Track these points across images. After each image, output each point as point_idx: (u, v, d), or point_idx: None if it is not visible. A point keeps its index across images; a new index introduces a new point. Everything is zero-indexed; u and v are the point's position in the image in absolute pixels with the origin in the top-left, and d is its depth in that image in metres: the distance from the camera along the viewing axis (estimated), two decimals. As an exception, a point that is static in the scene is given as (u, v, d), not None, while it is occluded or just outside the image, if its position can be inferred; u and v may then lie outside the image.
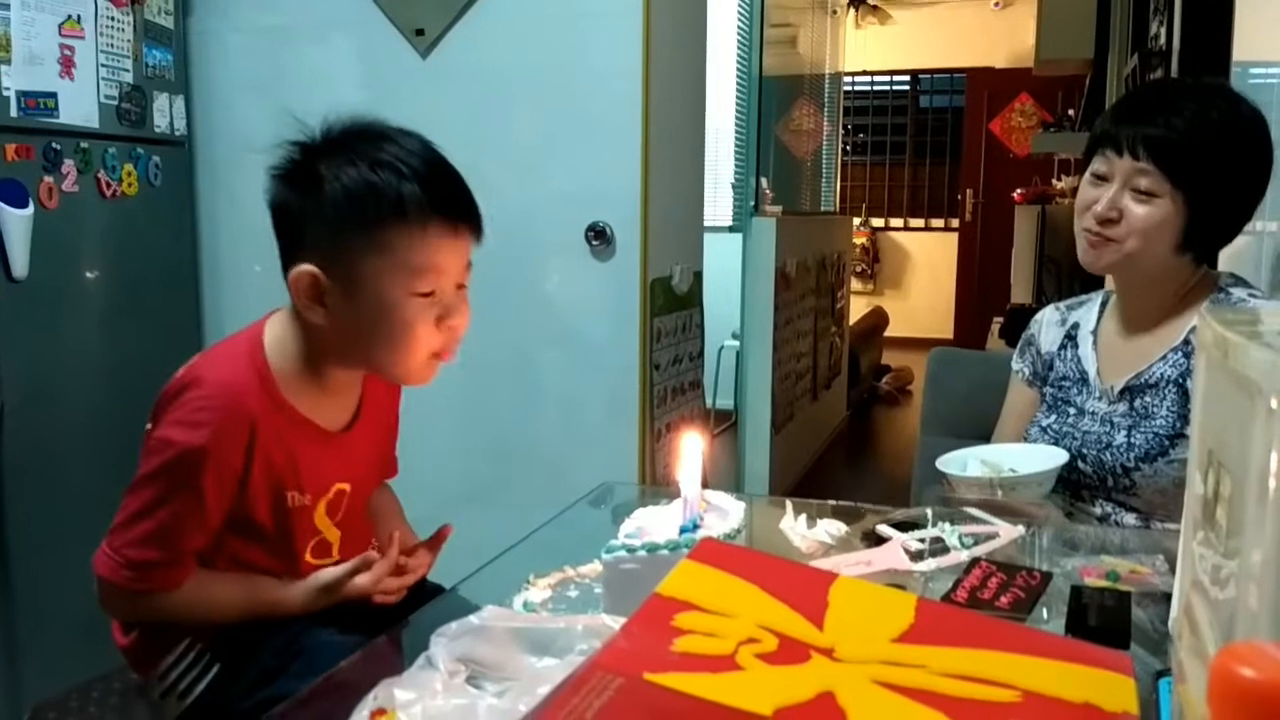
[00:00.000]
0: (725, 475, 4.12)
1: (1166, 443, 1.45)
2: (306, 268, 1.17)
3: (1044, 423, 1.60)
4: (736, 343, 4.34)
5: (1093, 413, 1.55)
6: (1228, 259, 1.88)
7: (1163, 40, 3.37)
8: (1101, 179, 1.47)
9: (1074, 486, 1.53)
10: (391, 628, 1.06)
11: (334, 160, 1.16)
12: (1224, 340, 0.45)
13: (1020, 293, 5.89)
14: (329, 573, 1.24)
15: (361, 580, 1.23)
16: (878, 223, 9.74)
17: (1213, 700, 0.33)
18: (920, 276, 9.60)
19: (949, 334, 8.85)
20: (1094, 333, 1.61)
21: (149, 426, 1.19)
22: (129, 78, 2.46)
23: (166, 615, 1.21)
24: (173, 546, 1.17)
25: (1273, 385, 0.39)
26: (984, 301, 8.14)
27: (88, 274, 2.39)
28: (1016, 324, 1.88)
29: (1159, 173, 1.40)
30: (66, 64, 2.29)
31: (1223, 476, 0.45)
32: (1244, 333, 0.44)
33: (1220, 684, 0.33)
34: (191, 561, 1.20)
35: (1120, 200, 1.44)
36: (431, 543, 1.36)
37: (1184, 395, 1.45)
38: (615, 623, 0.77)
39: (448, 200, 1.18)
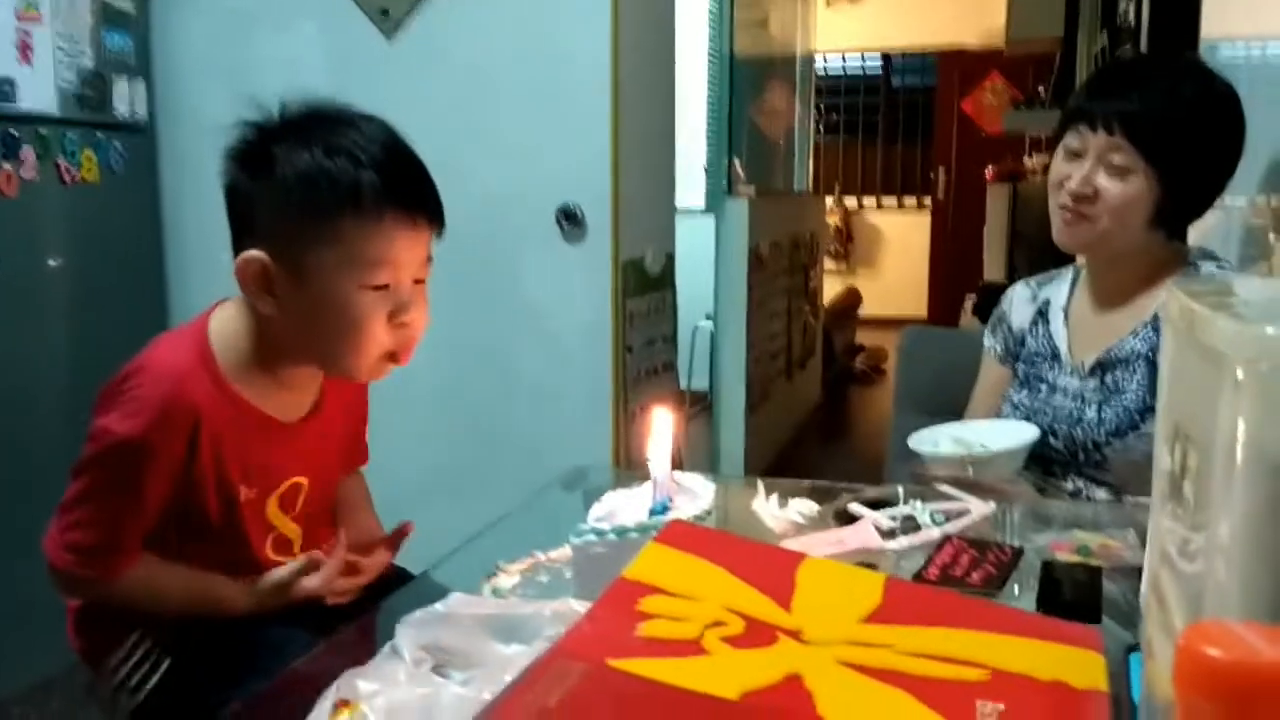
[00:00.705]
0: (700, 456, 4.12)
1: (1137, 417, 1.45)
2: (255, 254, 1.12)
3: (1016, 399, 1.60)
4: (710, 324, 4.33)
5: (1064, 388, 1.55)
6: (1197, 235, 1.89)
7: (1132, 17, 3.37)
8: (1075, 154, 1.46)
9: (1045, 462, 1.53)
10: (358, 616, 1.04)
11: (289, 143, 1.11)
12: (1190, 312, 0.44)
13: (993, 270, 5.92)
14: (277, 573, 1.20)
15: (311, 581, 1.20)
16: (851, 203, 9.74)
17: (1178, 680, 0.32)
18: (893, 256, 9.61)
19: (923, 313, 8.87)
20: (1065, 309, 1.61)
21: (94, 411, 1.16)
22: (88, 63, 2.41)
23: (115, 601, 1.18)
24: (110, 534, 1.14)
25: (1239, 355, 0.38)
26: (957, 279, 8.15)
27: (50, 263, 2.35)
28: (989, 301, 1.89)
29: (1133, 148, 1.40)
30: (24, 49, 2.24)
31: (1190, 450, 0.45)
32: (1210, 304, 0.43)
33: (1186, 663, 0.32)
34: (134, 549, 1.17)
35: (1094, 177, 1.43)
36: (390, 540, 1.32)
37: (1154, 370, 1.45)
38: (583, 608, 0.76)
39: (406, 190, 1.13)
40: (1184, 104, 1.40)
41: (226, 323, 1.20)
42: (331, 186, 1.09)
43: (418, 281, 1.17)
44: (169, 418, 1.12)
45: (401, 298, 1.14)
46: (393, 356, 1.17)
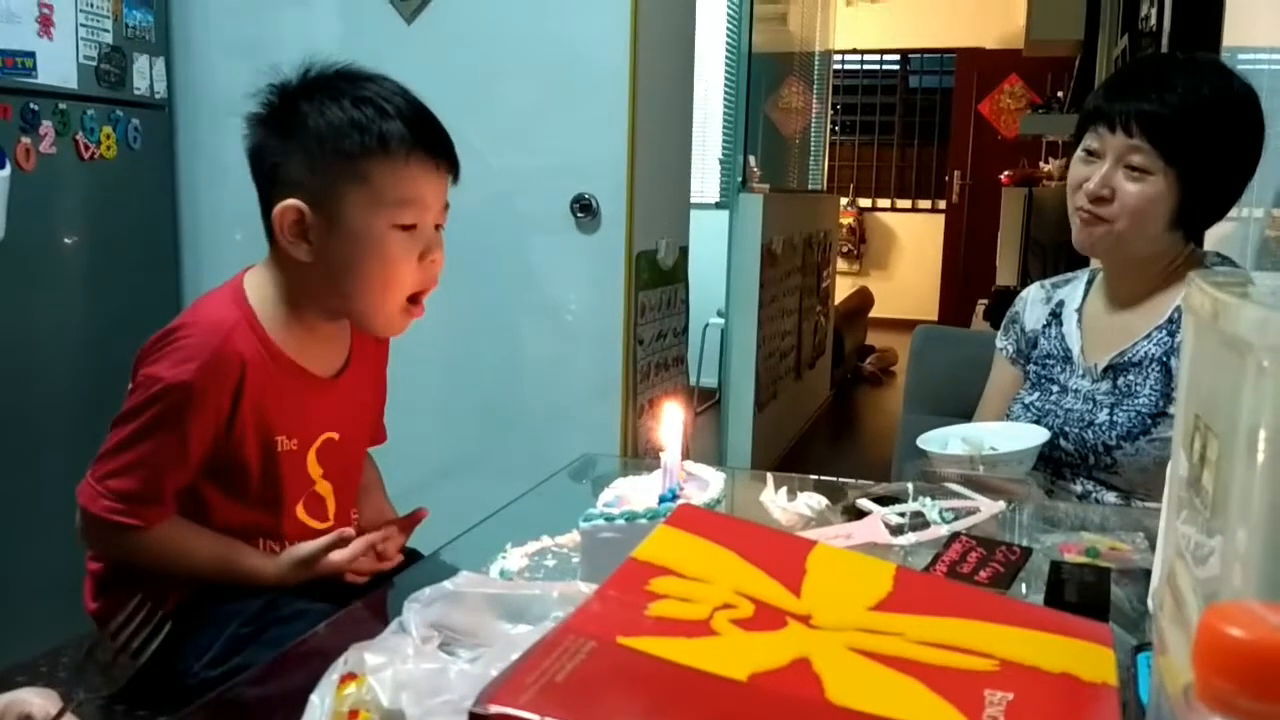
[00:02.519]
0: (708, 453, 4.11)
1: (1149, 421, 1.44)
2: (291, 202, 1.19)
3: (1027, 400, 1.60)
4: (721, 320, 4.33)
5: (1076, 390, 1.55)
6: (1214, 243, 1.88)
7: (1153, 21, 3.36)
8: (1094, 155, 1.46)
9: (1055, 464, 1.52)
10: (366, 594, 1.05)
11: (315, 99, 1.20)
12: (1214, 301, 0.44)
13: (1006, 275, 5.90)
14: (305, 546, 1.24)
15: (337, 556, 1.23)
16: (865, 203, 9.72)
17: (1198, 660, 0.32)
18: (906, 258, 9.58)
19: (934, 315, 8.84)
20: (1079, 311, 1.61)
21: (135, 369, 1.20)
22: (108, 38, 2.41)
23: (142, 557, 1.21)
24: (153, 480, 1.18)
25: (1264, 341, 0.38)
26: (969, 283, 8.14)
27: (65, 238, 2.35)
28: (1001, 306, 1.88)
29: (1152, 149, 1.39)
30: (45, 23, 2.24)
31: (1210, 441, 0.44)
32: (1235, 293, 0.43)
33: (1206, 643, 0.32)
34: (171, 501, 1.20)
35: (1113, 178, 1.43)
36: (404, 523, 1.36)
37: (1167, 374, 1.45)
38: (591, 590, 0.76)
39: (429, 136, 1.22)
40: (1204, 105, 1.39)
41: (259, 283, 1.26)
42: (362, 133, 1.17)
43: (438, 226, 1.25)
44: (218, 366, 1.17)
45: (427, 238, 1.23)
46: (413, 300, 1.25)
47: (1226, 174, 1.43)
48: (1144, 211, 1.41)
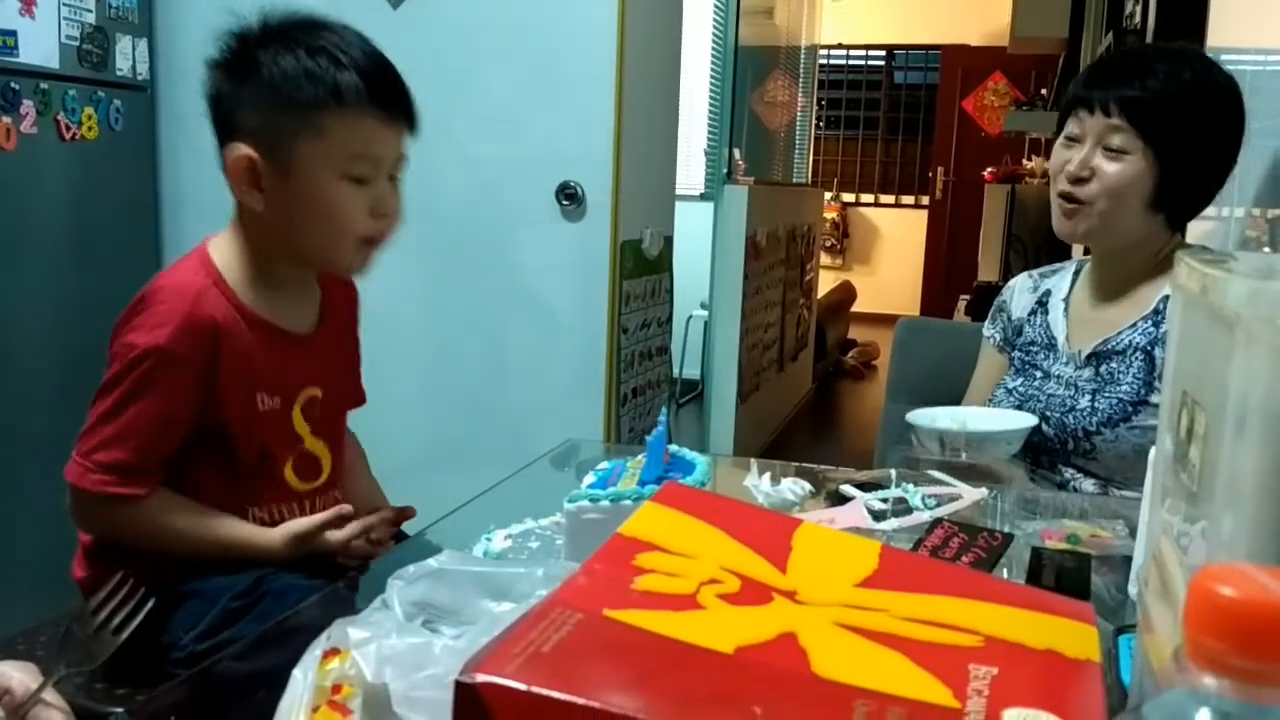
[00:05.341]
0: (690, 444, 4.09)
1: (1130, 408, 1.45)
2: (243, 150, 1.18)
3: (1010, 385, 1.61)
4: (705, 313, 4.33)
5: (1058, 376, 1.56)
6: (1195, 241, 1.89)
7: (1138, 19, 3.38)
8: (1074, 140, 1.47)
9: (1035, 450, 1.53)
10: (351, 572, 1.05)
11: (272, 48, 1.18)
12: (1203, 276, 0.44)
13: (987, 271, 5.93)
14: (303, 522, 1.24)
15: (334, 535, 1.23)
16: (848, 198, 9.74)
17: (1190, 621, 0.32)
18: (889, 253, 9.61)
19: (915, 311, 8.85)
20: (1065, 300, 1.62)
21: (111, 342, 1.19)
22: (91, 18, 2.39)
23: (136, 531, 1.20)
24: (138, 449, 1.17)
25: (1254, 313, 0.38)
26: (951, 279, 8.17)
27: (45, 219, 2.33)
28: (983, 302, 1.89)
29: (1130, 129, 1.41)
30: (27, 1, 2.22)
31: (1197, 415, 0.45)
32: (1223, 268, 0.43)
33: (1198, 604, 0.32)
34: (157, 470, 1.19)
35: (1092, 159, 1.44)
36: (396, 516, 1.36)
37: (1150, 363, 1.46)
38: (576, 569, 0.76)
39: (384, 90, 1.20)
40: (1184, 90, 1.40)
41: (224, 247, 1.26)
42: (315, 83, 1.16)
43: (392, 178, 1.24)
44: (192, 328, 1.17)
45: (379, 192, 1.21)
46: (370, 241, 1.24)
47: (1205, 158, 1.44)
48: (1122, 191, 1.43)
